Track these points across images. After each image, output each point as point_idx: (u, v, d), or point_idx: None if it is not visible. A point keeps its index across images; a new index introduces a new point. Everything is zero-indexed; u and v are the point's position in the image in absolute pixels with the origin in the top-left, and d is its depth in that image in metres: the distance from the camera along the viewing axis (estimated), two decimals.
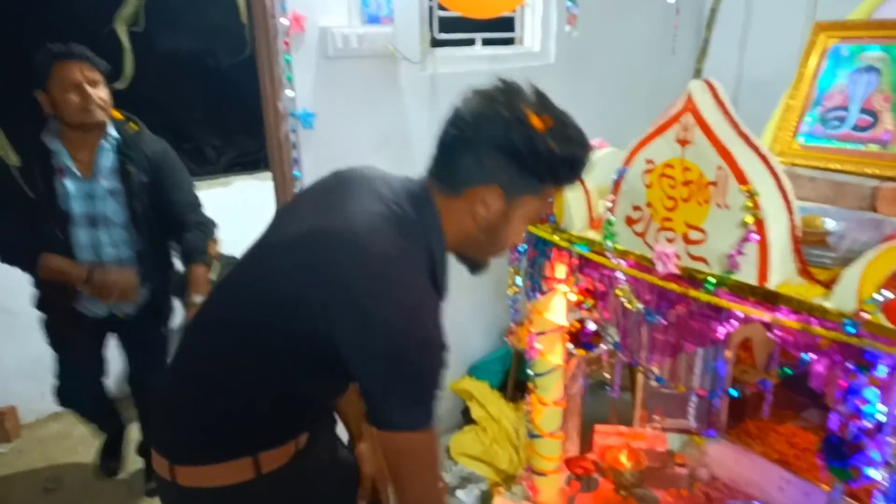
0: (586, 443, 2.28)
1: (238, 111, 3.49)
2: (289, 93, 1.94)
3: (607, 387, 2.55)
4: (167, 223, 2.16)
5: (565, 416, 2.48)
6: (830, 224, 1.28)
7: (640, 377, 2.24)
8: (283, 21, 1.86)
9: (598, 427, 2.27)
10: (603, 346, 1.79)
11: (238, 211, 2.72)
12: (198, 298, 2.14)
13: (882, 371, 1.05)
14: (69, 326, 2.16)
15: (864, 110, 1.60)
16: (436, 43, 2.32)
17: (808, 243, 1.25)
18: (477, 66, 2.38)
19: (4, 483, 2.58)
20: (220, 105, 3.78)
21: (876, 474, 1.07)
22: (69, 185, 2.01)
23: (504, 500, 2.14)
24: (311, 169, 2.06)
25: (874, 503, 1.07)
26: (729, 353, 2.10)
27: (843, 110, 1.65)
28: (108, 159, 2.05)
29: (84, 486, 2.52)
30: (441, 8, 2.25)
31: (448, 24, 2.34)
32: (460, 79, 2.35)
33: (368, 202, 1.01)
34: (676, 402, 2.20)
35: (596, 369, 2.49)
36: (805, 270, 1.19)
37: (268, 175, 2.15)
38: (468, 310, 2.67)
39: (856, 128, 1.61)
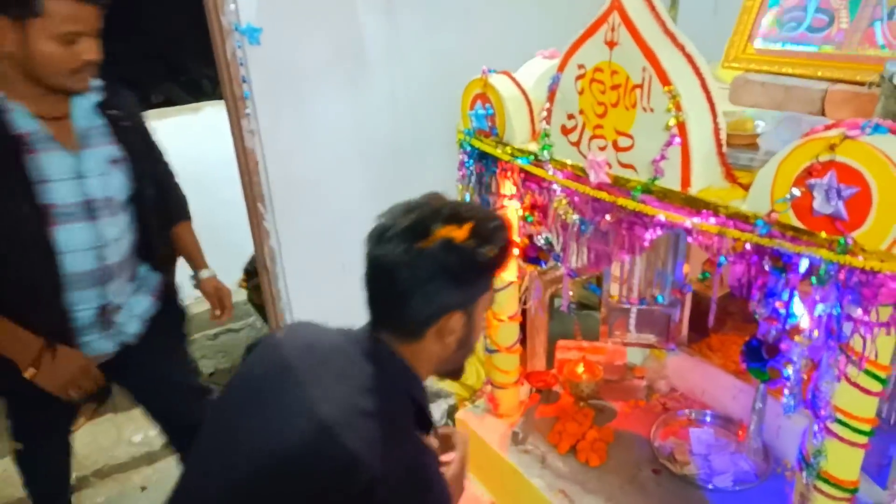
0: (553, 361, 2.32)
1: None
2: (231, 5, 1.86)
3: (571, 305, 2.59)
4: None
5: (531, 333, 2.52)
6: (761, 126, 1.24)
7: (603, 293, 2.25)
8: None
9: (560, 342, 2.30)
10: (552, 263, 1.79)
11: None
12: (205, 273, 1.88)
13: (799, 271, 1.05)
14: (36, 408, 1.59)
15: (820, 9, 1.53)
16: None
17: (737, 146, 1.22)
18: None
19: None
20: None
21: (788, 372, 1.08)
22: (49, 164, 1.42)
23: (466, 413, 2.20)
24: (262, 88, 2.01)
25: (784, 401, 1.08)
26: (688, 268, 2.10)
27: (801, 10, 1.58)
28: (89, 117, 1.50)
29: None
30: None
31: None
32: None
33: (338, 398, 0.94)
34: (639, 317, 2.22)
35: (556, 290, 2.51)
36: (729, 174, 1.16)
37: None
38: None
39: (811, 28, 1.54)
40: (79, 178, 1.46)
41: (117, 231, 1.55)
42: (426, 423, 1.05)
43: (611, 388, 2.19)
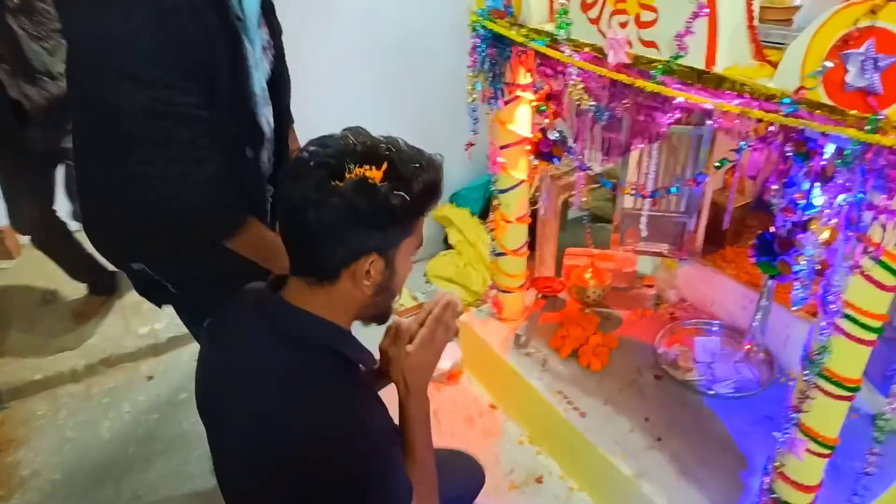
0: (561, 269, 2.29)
1: None
2: None
3: (584, 216, 2.53)
4: None
5: (541, 241, 2.48)
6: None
7: (617, 200, 2.18)
8: None
9: (570, 250, 2.26)
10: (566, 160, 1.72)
11: None
12: None
13: (837, 160, 0.97)
14: None
15: None
16: None
17: (771, 21, 1.12)
18: None
19: (6, 293, 2.73)
20: None
21: (800, 266, 1.03)
22: (253, 48, 1.25)
23: (470, 316, 2.19)
24: None
25: (793, 293, 1.04)
26: (708, 176, 2.02)
27: None
28: None
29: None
30: None
31: None
32: None
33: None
34: (653, 224, 2.15)
35: (569, 196, 2.45)
36: (759, 52, 1.07)
37: None
38: (448, 135, 2.58)
39: None
40: (260, 64, 1.30)
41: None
42: (354, 366, 1.02)
43: (618, 297, 2.17)
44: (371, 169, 0.88)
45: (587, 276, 2.09)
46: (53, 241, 2.40)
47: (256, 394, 0.93)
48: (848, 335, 1.06)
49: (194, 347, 2.21)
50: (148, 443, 2.14)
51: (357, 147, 0.91)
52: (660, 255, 2.21)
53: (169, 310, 1.55)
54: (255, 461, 0.92)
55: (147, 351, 2.48)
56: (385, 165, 0.89)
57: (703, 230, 2.14)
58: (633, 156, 1.96)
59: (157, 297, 1.50)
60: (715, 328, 2.04)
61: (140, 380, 2.40)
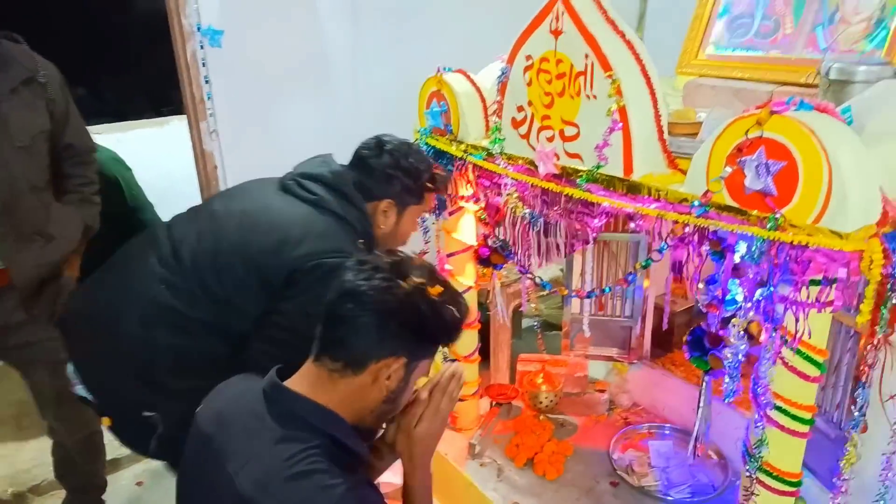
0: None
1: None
2: (193, 6, 1.88)
3: (534, 323, 2.57)
4: None
5: (494, 349, 2.49)
6: (703, 115, 1.26)
7: (567, 307, 2.24)
8: None
9: (522, 356, 2.27)
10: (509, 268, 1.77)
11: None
12: None
13: (736, 254, 1.04)
14: None
15: (766, 16, 1.57)
16: None
17: (680, 135, 1.23)
18: None
19: None
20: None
21: (727, 357, 1.07)
22: None
23: None
24: (223, 91, 2.01)
25: (724, 386, 1.07)
26: (647, 282, 2.10)
27: (749, 17, 1.62)
28: None
29: None
30: None
31: None
32: (386, 2, 2.30)
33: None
34: (601, 329, 2.20)
35: (519, 303, 2.49)
36: (671, 162, 1.17)
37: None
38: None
39: (758, 34, 1.58)
40: None
41: None
42: (354, 457, 1.01)
43: (572, 402, 2.16)
44: (429, 285, 0.98)
45: (539, 381, 2.09)
46: None
47: (245, 466, 0.93)
48: (781, 427, 1.07)
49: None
50: None
51: (415, 261, 1.03)
52: (610, 359, 2.24)
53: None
54: None
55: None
56: (440, 288, 1.00)
57: (649, 334, 2.19)
58: (577, 263, 2.04)
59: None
60: (668, 431, 2.04)
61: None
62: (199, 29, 1.91)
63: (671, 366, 2.20)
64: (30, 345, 1.77)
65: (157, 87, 3.73)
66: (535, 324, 2.48)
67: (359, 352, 0.97)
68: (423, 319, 0.97)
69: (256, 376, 1.05)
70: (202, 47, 1.94)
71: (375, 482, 1.09)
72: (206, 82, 1.98)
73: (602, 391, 2.19)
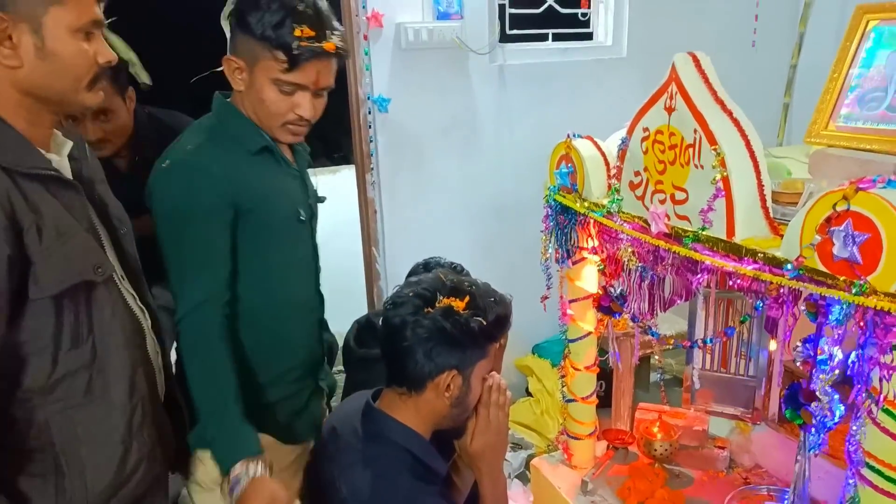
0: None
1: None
2: (367, 79, 2.25)
3: (660, 377, 2.62)
4: None
5: (616, 395, 2.58)
6: (810, 187, 1.34)
7: (690, 363, 2.28)
8: (363, 18, 2.18)
9: (642, 405, 2.34)
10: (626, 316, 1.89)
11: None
12: None
13: (832, 317, 1.12)
14: None
15: None
16: (508, 38, 2.53)
17: (786, 203, 1.32)
18: (546, 58, 2.56)
19: None
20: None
21: (817, 411, 1.14)
22: None
23: (541, 461, 2.28)
24: (385, 148, 2.36)
25: (810, 439, 1.13)
26: (774, 343, 2.09)
27: (882, 91, 1.65)
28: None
29: None
30: (513, 5, 2.47)
31: (521, 21, 2.55)
32: (528, 69, 2.56)
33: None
34: (724, 386, 2.21)
35: (647, 352, 2.56)
36: (773, 228, 1.27)
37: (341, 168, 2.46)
38: (533, 290, 2.84)
39: (890, 107, 1.61)
40: None
41: None
42: (430, 472, 1.21)
43: (689, 455, 2.18)
44: (456, 300, 1.15)
45: (654, 429, 2.15)
46: None
47: (346, 471, 1.18)
48: (874, 486, 1.12)
49: None
50: None
51: (446, 283, 1.19)
52: (732, 417, 2.24)
53: None
54: None
55: None
56: (467, 298, 1.16)
57: (776, 396, 2.17)
58: (700, 318, 2.10)
59: None
60: (788, 496, 2.00)
61: None
62: (369, 98, 2.27)
63: (799, 431, 2.15)
64: None
65: (332, 138, 4.32)
66: (660, 376, 2.53)
67: (413, 377, 1.17)
68: (453, 336, 1.13)
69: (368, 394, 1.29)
70: (369, 112, 2.30)
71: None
72: (371, 141, 2.34)
73: (722, 448, 2.20)
